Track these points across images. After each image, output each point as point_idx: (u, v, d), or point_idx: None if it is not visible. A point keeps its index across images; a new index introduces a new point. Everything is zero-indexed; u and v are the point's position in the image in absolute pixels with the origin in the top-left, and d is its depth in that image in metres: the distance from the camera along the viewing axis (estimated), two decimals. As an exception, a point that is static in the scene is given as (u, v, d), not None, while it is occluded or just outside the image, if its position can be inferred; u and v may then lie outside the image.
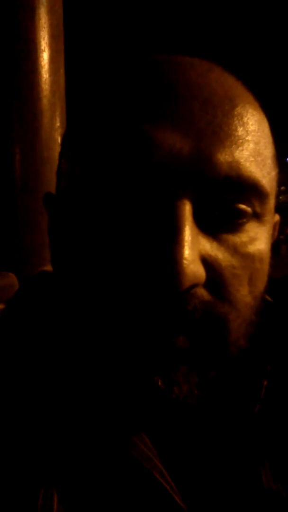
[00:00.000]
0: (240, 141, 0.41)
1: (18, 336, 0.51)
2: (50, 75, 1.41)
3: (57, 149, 1.42)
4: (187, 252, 0.37)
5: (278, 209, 0.50)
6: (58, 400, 0.46)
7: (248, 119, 0.43)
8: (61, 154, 0.50)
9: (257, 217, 0.43)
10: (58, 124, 1.43)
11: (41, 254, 1.36)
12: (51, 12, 1.41)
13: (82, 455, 0.44)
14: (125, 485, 0.43)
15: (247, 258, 0.42)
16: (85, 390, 0.46)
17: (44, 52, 1.39)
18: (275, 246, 0.51)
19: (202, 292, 0.40)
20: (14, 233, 1.36)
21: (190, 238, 0.38)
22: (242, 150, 0.41)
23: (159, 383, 0.39)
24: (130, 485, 0.43)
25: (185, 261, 0.37)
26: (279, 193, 0.50)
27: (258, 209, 0.43)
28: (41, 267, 0.59)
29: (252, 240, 0.43)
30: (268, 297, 0.53)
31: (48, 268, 0.58)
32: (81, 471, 0.43)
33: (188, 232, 0.38)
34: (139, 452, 0.43)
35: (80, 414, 0.45)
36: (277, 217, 0.52)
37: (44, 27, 1.38)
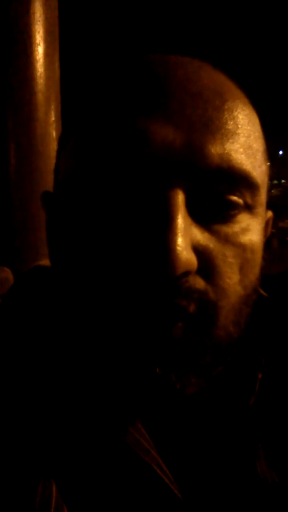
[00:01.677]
0: (231, 134, 0.42)
1: (13, 331, 0.51)
2: (45, 70, 1.40)
3: (52, 143, 1.42)
4: (180, 239, 0.38)
5: (270, 203, 0.50)
6: (54, 393, 0.46)
7: (238, 113, 0.44)
8: (58, 151, 0.51)
9: (248, 208, 0.44)
10: (53, 118, 1.43)
11: (36, 248, 1.36)
12: (45, 6, 1.40)
13: (80, 446, 0.44)
14: (123, 477, 0.44)
15: (239, 248, 0.43)
16: (82, 383, 0.46)
17: (39, 46, 1.39)
18: (268, 241, 0.52)
19: (195, 281, 0.41)
20: (8, 227, 1.36)
21: (183, 226, 0.39)
22: (233, 142, 0.42)
23: (157, 370, 0.40)
24: (128, 476, 0.44)
25: (178, 248, 0.38)
26: (271, 187, 0.50)
27: (249, 201, 0.44)
28: (36, 262, 0.60)
29: (244, 230, 0.44)
30: (263, 292, 0.54)
31: (43, 262, 0.58)
32: (80, 462, 0.44)
33: (181, 220, 0.39)
34: (137, 444, 0.44)
35: (77, 406, 0.46)
36: (270, 214, 0.53)
37: (39, 21, 1.38)
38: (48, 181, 1.34)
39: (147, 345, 0.40)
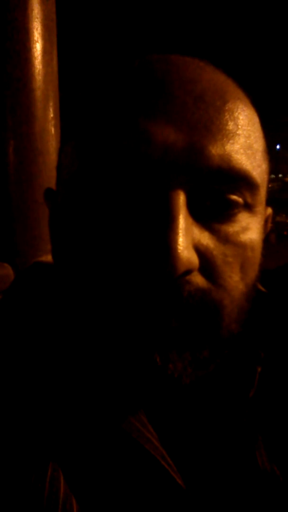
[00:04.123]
0: (231, 135, 0.43)
1: (14, 326, 0.52)
2: (43, 66, 1.40)
3: (50, 140, 1.42)
4: (181, 239, 0.39)
5: (267, 197, 0.51)
6: (56, 387, 0.47)
7: (238, 114, 0.44)
8: (61, 149, 0.52)
9: (248, 207, 0.45)
10: (51, 115, 1.43)
11: (36, 245, 1.36)
12: (43, 2, 1.40)
13: (84, 438, 0.45)
14: (127, 467, 0.45)
15: (239, 247, 0.44)
16: (83, 376, 0.47)
17: (37, 43, 1.39)
18: (266, 236, 0.53)
19: (197, 280, 0.42)
20: (8, 224, 1.36)
21: (184, 226, 0.40)
22: (233, 143, 0.43)
23: (157, 360, 0.41)
24: (131, 466, 0.45)
25: (179, 247, 0.39)
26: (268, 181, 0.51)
27: (249, 200, 0.45)
28: (36, 258, 0.60)
29: (244, 229, 0.45)
30: (261, 287, 0.55)
31: (43, 259, 0.59)
32: (84, 454, 0.45)
33: (182, 220, 0.40)
34: (140, 434, 0.45)
35: (79, 399, 0.46)
36: (269, 210, 0.54)
37: (37, 18, 1.38)
38: (47, 178, 1.35)
39: (149, 337, 0.41)
